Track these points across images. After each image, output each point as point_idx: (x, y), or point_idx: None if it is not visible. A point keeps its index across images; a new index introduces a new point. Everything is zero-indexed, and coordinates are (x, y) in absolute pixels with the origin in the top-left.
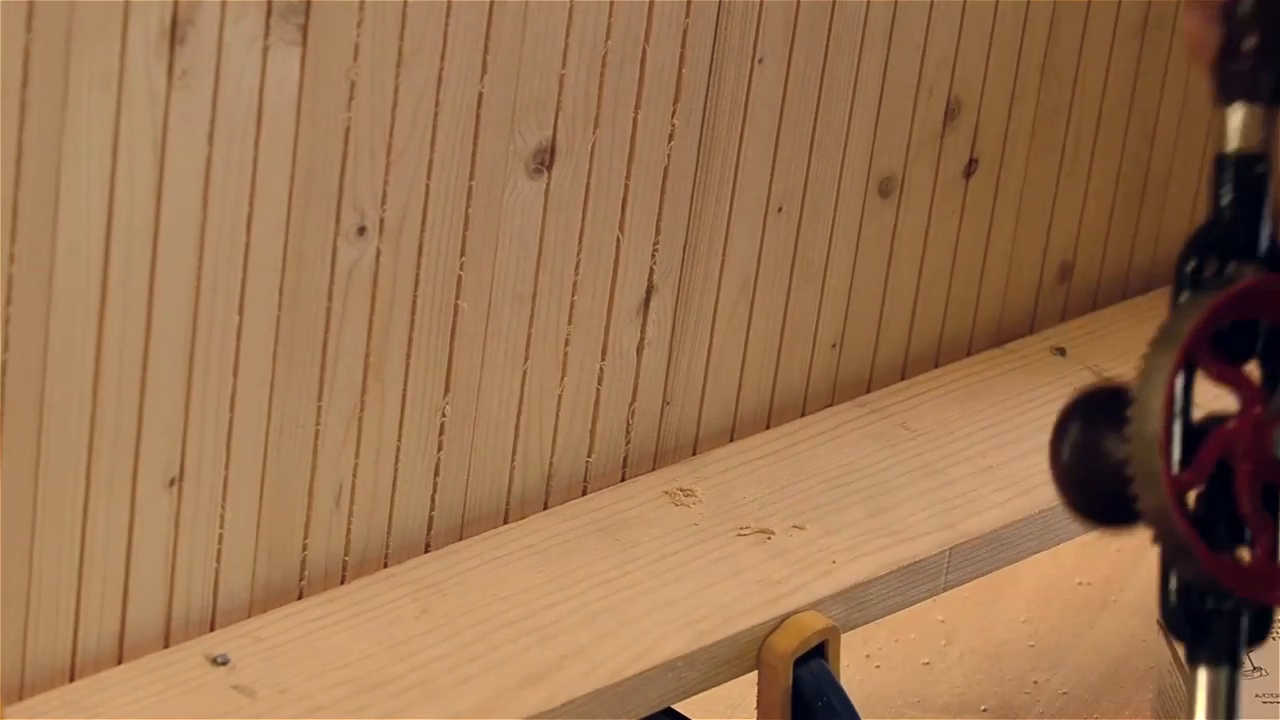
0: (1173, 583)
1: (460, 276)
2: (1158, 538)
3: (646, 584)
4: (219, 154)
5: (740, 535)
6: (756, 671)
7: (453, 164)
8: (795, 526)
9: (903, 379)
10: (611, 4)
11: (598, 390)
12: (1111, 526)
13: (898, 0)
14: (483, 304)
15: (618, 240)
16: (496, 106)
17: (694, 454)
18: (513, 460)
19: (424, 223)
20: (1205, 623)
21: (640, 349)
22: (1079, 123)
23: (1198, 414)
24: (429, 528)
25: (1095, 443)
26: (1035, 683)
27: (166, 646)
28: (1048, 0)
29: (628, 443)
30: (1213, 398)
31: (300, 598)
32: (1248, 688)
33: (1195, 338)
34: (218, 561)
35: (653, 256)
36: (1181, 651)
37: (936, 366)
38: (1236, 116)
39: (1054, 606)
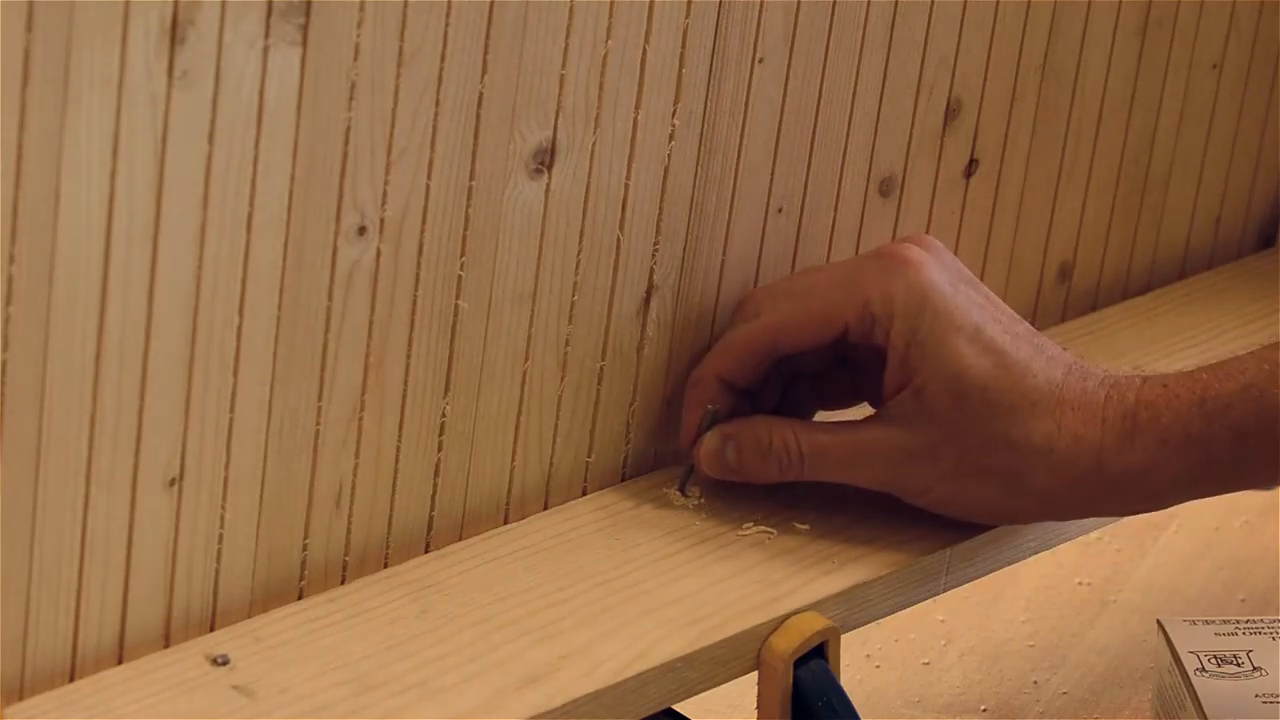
0: None
1: (460, 276)
2: None
3: (646, 584)
4: (219, 154)
5: (740, 535)
6: (756, 671)
7: (453, 164)
8: (795, 526)
9: None
10: (611, 4)
11: (598, 390)
12: None
13: (898, 0)
14: (483, 304)
15: (618, 240)
16: (496, 106)
17: None
18: (513, 460)
19: (424, 223)
20: None
21: (640, 349)
22: (1079, 123)
23: None
24: (429, 528)
25: None
26: (1035, 683)
27: (166, 646)
28: (1048, 0)
29: (627, 443)
30: None
31: (300, 598)
32: (1248, 688)
33: None
34: (218, 561)
35: (653, 256)
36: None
37: None
38: None
39: (1054, 606)
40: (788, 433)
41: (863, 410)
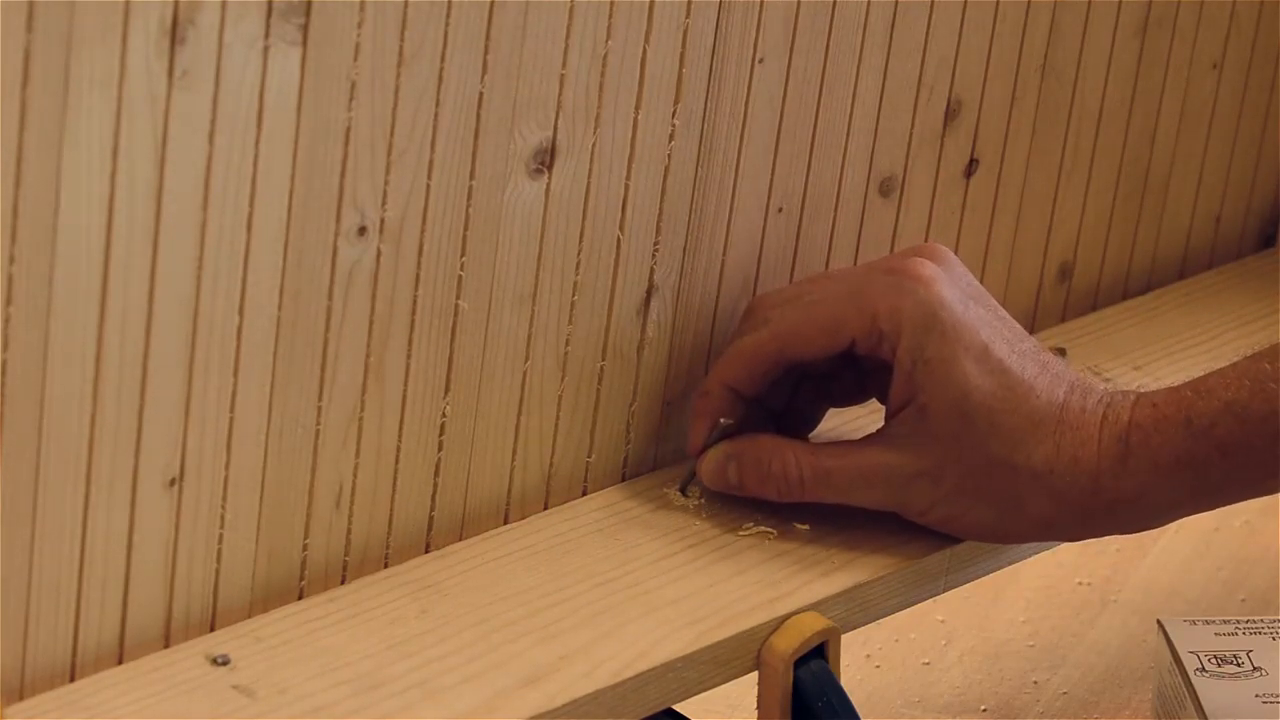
0: None
1: (460, 276)
2: None
3: (646, 584)
4: (219, 154)
5: (740, 536)
6: (757, 672)
7: (453, 164)
8: (795, 526)
9: None
10: (611, 4)
11: (598, 390)
12: None
13: (898, 0)
14: (483, 304)
15: (618, 240)
16: (496, 106)
17: None
18: (513, 460)
19: (424, 223)
20: None
21: (640, 349)
22: (1079, 123)
23: None
24: (429, 528)
25: None
26: (1035, 683)
27: (166, 646)
28: (1048, 0)
29: (628, 443)
30: None
31: (300, 598)
32: (1248, 688)
33: None
34: (218, 561)
35: (653, 256)
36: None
37: None
38: None
39: (1054, 606)
40: (789, 457)
41: (869, 408)
